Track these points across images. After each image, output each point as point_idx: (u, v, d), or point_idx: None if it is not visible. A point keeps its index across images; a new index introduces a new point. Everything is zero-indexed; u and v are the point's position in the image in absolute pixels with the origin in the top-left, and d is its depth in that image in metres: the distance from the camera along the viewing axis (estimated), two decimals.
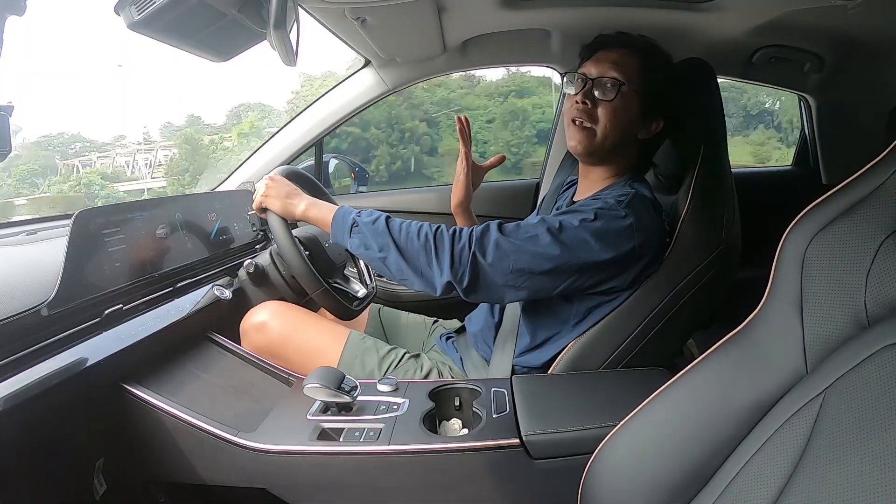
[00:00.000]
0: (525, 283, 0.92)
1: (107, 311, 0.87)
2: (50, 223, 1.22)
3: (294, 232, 1.12)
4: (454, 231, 0.93)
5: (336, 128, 1.77)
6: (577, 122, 1.00)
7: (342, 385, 0.86)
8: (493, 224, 0.94)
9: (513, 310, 1.09)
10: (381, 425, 0.85)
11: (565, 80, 1.06)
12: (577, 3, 1.32)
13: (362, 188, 2.08)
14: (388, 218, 0.97)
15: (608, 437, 0.64)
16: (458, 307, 1.37)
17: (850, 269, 0.48)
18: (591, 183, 1.07)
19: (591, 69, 1.00)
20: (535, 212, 1.33)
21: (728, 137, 1.10)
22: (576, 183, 1.15)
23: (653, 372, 0.97)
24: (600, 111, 0.99)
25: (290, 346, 1.10)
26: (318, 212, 1.04)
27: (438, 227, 0.94)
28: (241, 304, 1.16)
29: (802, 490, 0.42)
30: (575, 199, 1.11)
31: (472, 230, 0.93)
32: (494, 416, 0.86)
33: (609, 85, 0.98)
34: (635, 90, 0.98)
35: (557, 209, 1.17)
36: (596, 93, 0.99)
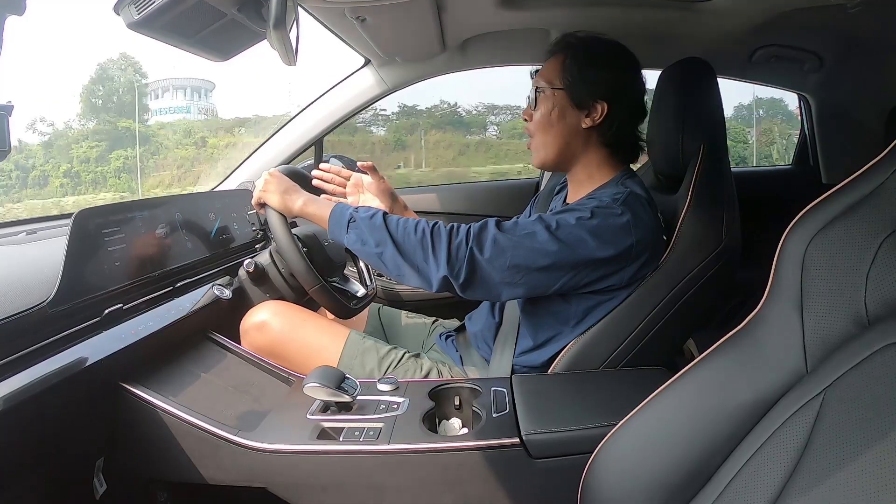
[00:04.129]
0: (522, 279, 0.92)
1: (107, 311, 0.87)
2: (50, 222, 1.22)
3: (294, 231, 1.12)
4: (451, 227, 0.93)
5: (336, 127, 1.77)
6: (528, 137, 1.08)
7: (342, 384, 0.86)
8: (491, 221, 0.94)
9: (513, 309, 1.09)
10: (380, 424, 0.85)
11: None
12: (576, 2, 1.32)
13: None
14: (385, 214, 0.97)
15: (608, 437, 0.64)
16: (459, 307, 1.37)
17: (851, 268, 0.48)
18: (578, 185, 1.08)
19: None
20: (528, 211, 1.33)
21: None
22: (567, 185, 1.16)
23: (653, 371, 0.97)
24: (534, 120, 1.05)
25: (290, 346, 1.10)
26: (316, 208, 1.04)
27: (436, 223, 0.94)
28: (241, 304, 1.16)
29: (802, 490, 0.42)
30: (567, 201, 1.11)
31: (470, 226, 0.93)
32: (494, 415, 0.86)
33: (532, 97, 1.05)
34: (556, 88, 1.02)
35: (552, 211, 1.17)
36: (531, 108, 1.06)
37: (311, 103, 1.75)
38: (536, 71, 1.08)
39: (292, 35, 0.74)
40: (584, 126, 1.01)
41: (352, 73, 1.71)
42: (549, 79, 1.03)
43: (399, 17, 1.26)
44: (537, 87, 1.04)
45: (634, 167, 1.09)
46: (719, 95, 1.11)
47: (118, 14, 0.68)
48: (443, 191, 1.99)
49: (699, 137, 1.06)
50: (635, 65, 1.04)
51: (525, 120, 1.07)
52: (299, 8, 0.80)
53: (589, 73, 1.00)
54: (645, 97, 1.06)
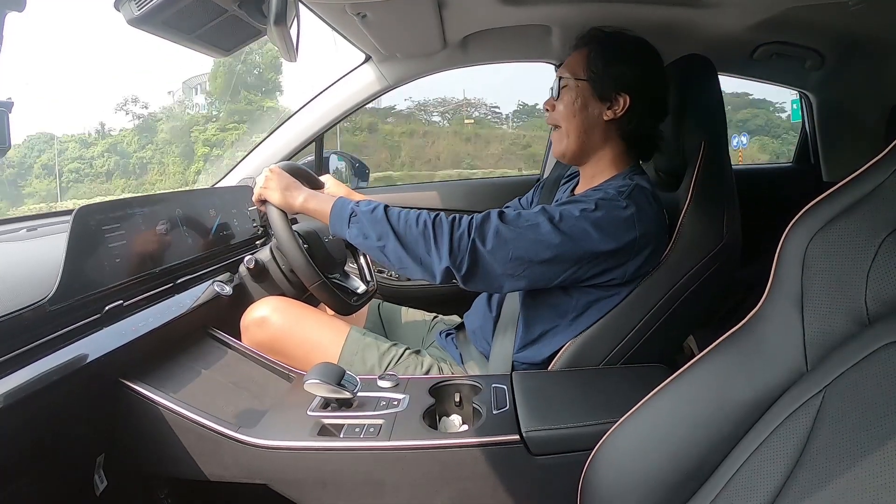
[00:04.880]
0: (524, 271, 0.92)
1: (107, 307, 0.87)
2: (50, 219, 1.22)
3: (294, 227, 1.12)
4: (454, 218, 0.94)
5: (336, 124, 1.77)
6: (552, 128, 1.09)
7: (342, 381, 0.86)
8: (494, 212, 0.94)
9: (511, 303, 1.09)
10: (381, 421, 0.85)
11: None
12: None
13: (363, 184, 2.08)
14: (386, 207, 0.97)
15: (608, 434, 0.65)
16: (459, 303, 1.37)
17: (851, 266, 0.48)
18: (589, 178, 1.08)
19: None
20: (531, 200, 1.33)
21: None
22: (576, 176, 1.16)
23: (653, 369, 0.98)
24: (557, 110, 1.06)
25: (290, 342, 1.10)
26: (317, 203, 1.04)
27: (437, 215, 0.94)
28: (241, 300, 1.16)
29: (802, 487, 0.43)
30: (575, 192, 1.11)
31: (473, 217, 0.93)
32: (494, 412, 0.86)
33: (556, 88, 1.06)
34: (581, 79, 1.03)
35: (557, 202, 1.17)
36: (553, 98, 1.07)
37: (312, 100, 1.75)
38: (560, 64, 1.09)
39: (293, 31, 0.74)
40: (605, 118, 1.02)
41: (352, 70, 1.70)
42: (573, 70, 1.04)
43: (400, 13, 1.26)
44: (561, 78, 1.05)
45: None
46: (720, 92, 1.11)
47: (118, 10, 0.68)
48: (444, 187, 1.98)
49: (700, 134, 1.06)
50: (660, 62, 1.05)
51: (547, 110, 1.08)
52: (300, 4, 0.80)
53: (613, 66, 1.01)
54: (667, 95, 1.06)
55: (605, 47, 1.02)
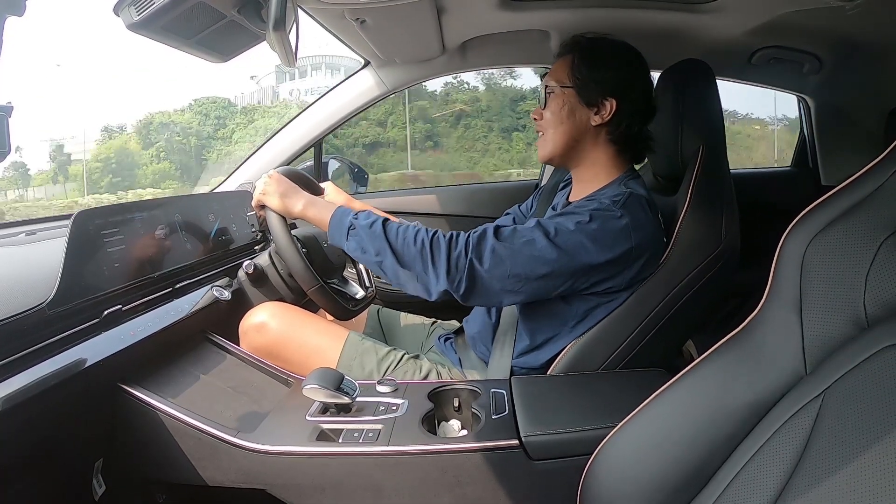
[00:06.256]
0: (522, 287, 0.92)
1: (106, 312, 0.87)
2: (49, 223, 1.22)
3: (293, 232, 1.12)
4: (451, 237, 0.93)
5: (335, 129, 1.77)
6: (538, 135, 1.09)
7: (341, 386, 0.86)
8: (490, 229, 0.94)
9: (510, 309, 1.09)
10: (380, 426, 0.85)
11: None
12: (576, 4, 1.32)
13: (361, 189, 2.08)
14: (385, 221, 0.97)
15: (607, 438, 0.64)
16: (458, 308, 1.37)
17: (850, 270, 0.48)
18: (583, 184, 1.08)
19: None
20: (530, 206, 1.33)
21: None
22: (571, 182, 1.16)
23: (652, 373, 0.97)
24: (545, 118, 1.06)
25: (289, 347, 1.09)
26: (316, 211, 1.04)
27: (435, 233, 0.94)
28: (240, 305, 1.16)
29: (801, 491, 0.42)
30: (570, 199, 1.11)
31: (469, 235, 0.93)
32: (493, 416, 0.86)
33: (543, 94, 1.06)
34: (566, 86, 1.03)
35: (553, 209, 1.17)
36: (541, 107, 1.07)
37: (311, 104, 1.75)
38: (545, 73, 1.09)
39: (292, 36, 0.75)
40: (593, 123, 1.02)
41: (351, 75, 1.71)
42: (558, 78, 1.04)
43: (399, 19, 1.26)
44: (547, 86, 1.05)
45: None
46: (718, 97, 1.11)
47: (118, 15, 0.68)
48: (443, 192, 1.98)
49: (698, 139, 1.06)
50: (643, 64, 1.05)
51: (535, 119, 1.08)
52: (299, 9, 0.80)
53: (598, 71, 1.01)
54: (653, 96, 1.06)
55: (589, 53, 1.03)
